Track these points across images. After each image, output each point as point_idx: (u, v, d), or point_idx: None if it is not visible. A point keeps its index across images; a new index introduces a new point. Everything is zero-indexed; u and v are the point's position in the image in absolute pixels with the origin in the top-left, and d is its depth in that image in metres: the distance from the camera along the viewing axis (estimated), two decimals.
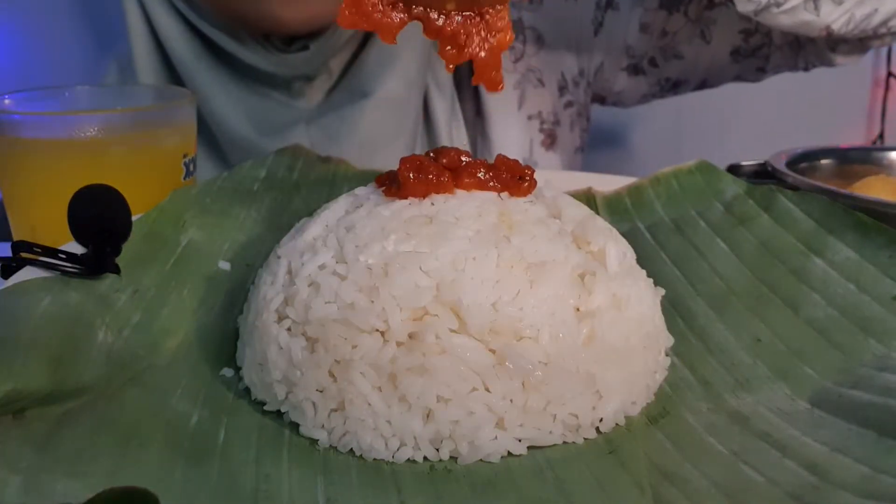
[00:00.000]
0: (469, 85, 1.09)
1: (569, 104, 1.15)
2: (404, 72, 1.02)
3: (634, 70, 1.14)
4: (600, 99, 1.22)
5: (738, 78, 1.15)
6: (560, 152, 1.16)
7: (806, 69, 1.09)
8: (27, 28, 1.37)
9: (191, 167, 0.75)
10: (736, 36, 1.06)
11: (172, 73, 1.03)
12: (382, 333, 0.48)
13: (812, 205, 0.65)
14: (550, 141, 1.14)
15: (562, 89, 1.14)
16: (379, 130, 1.02)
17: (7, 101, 0.72)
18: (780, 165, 0.87)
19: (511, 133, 1.10)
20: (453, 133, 1.09)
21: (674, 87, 1.17)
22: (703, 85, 1.17)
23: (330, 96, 1.03)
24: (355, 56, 1.02)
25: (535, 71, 1.11)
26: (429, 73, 1.07)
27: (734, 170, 0.88)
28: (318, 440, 0.50)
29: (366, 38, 1.01)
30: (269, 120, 1.01)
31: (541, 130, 1.13)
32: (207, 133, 1.03)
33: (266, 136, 1.00)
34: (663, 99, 1.22)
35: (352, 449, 0.49)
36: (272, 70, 0.99)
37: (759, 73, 1.12)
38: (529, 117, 1.12)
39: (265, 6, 0.89)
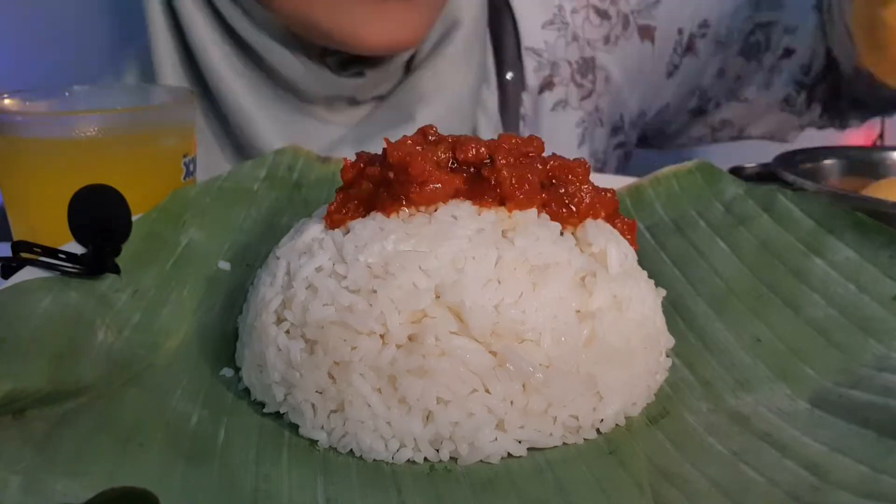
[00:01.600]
0: (515, 112, 1.07)
1: (619, 145, 1.15)
2: (453, 98, 0.99)
3: (699, 111, 1.14)
4: (642, 139, 1.22)
5: (771, 136, 1.17)
6: None
7: (842, 127, 1.12)
8: (36, 26, 1.36)
9: (191, 167, 0.75)
10: (791, 85, 1.08)
11: (197, 79, 0.98)
12: (382, 336, 0.48)
13: (812, 205, 0.65)
14: None
15: (616, 130, 1.13)
16: None
17: (7, 101, 0.72)
18: (784, 167, 0.87)
19: None
20: None
21: (718, 130, 1.18)
22: (740, 133, 1.19)
23: (372, 116, 1.00)
24: (403, 76, 1.00)
25: (600, 111, 1.10)
26: (478, 103, 1.04)
27: (736, 172, 0.88)
28: (317, 441, 0.50)
29: (413, 60, 0.99)
30: (308, 139, 0.95)
31: (593, 169, 1.12)
32: (235, 142, 0.99)
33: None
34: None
35: (351, 450, 0.49)
36: (317, 91, 0.96)
37: (797, 130, 1.15)
38: (591, 155, 1.11)
39: (347, 25, 0.85)
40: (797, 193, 0.67)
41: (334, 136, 0.98)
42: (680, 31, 1.08)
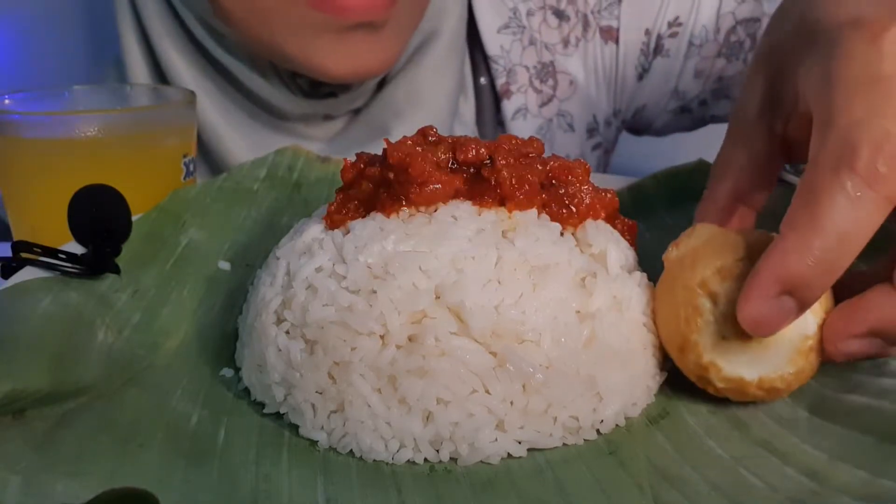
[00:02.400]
0: (491, 119, 1.05)
1: (597, 146, 1.11)
2: (430, 110, 0.97)
3: (682, 110, 1.10)
4: (635, 131, 1.19)
5: None
6: None
7: None
8: (25, 28, 1.35)
9: (191, 167, 0.75)
10: None
11: None
12: (382, 336, 0.48)
13: None
14: None
15: (591, 131, 1.10)
16: None
17: (7, 101, 0.72)
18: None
19: None
20: None
21: (713, 119, 1.14)
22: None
23: (348, 130, 0.99)
24: (379, 89, 0.98)
25: (566, 115, 1.06)
26: (454, 112, 1.01)
27: None
28: (317, 441, 0.50)
29: (388, 74, 0.97)
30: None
31: None
32: (213, 164, 0.98)
33: None
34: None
35: (351, 450, 0.49)
36: (290, 110, 0.95)
37: None
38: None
39: (313, 56, 0.84)
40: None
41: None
42: (647, 32, 1.03)
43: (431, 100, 0.97)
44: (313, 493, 0.45)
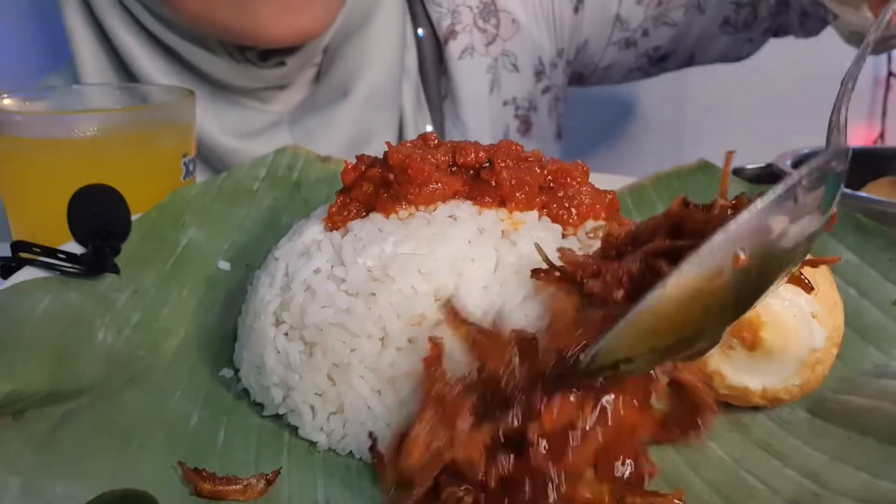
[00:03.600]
0: (433, 67, 1.07)
1: (546, 89, 1.13)
2: (384, 64, 0.99)
3: (626, 43, 1.12)
4: (579, 77, 1.20)
5: (724, 57, 1.15)
6: (538, 139, 1.14)
7: (805, 33, 1.10)
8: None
9: (191, 167, 0.75)
10: (728, 6, 1.08)
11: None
12: (381, 339, 0.48)
13: None
14: (526, 127, 1.12)
15: (539, 74, 1.11)
16: (364, 127, 0.99)
17: (7, 101, 0.72)
18: (785, 166, 0.87)
19: (484, 117, 1.08)
20: (419, 120, 1.06)
21: (661, 59, 1.16)
22: (689, 60, 1.17)
23: (309, 98, 1.01)
24: (328, 56, 1.00)
25: (510, 55, 1.08)
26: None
27: (737, 172, 0.88)
28: (317, 442, 0.50)
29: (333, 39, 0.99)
30: (247, 126, 0.98)
31: (516, 116, 1.11)
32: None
33: (247, 139, 0.97)
34: (649, 77, 1.21)
35: (351, 451, 0.49)
36: (245, 84, 0.96)
37: (748, 44, 1.14)
38: (505, 103, 1.09)
39: (251, 21, 0.85)
40: None
41: (269, 120, 0.99)
42: None
43: (381, 57, 0.99)
44: (313, 493, 0.45)
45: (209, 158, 0.99)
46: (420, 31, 1.06)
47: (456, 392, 0.40)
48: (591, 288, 0.40)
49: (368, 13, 1.00)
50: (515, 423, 0.37)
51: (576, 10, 1.10)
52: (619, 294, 0.39)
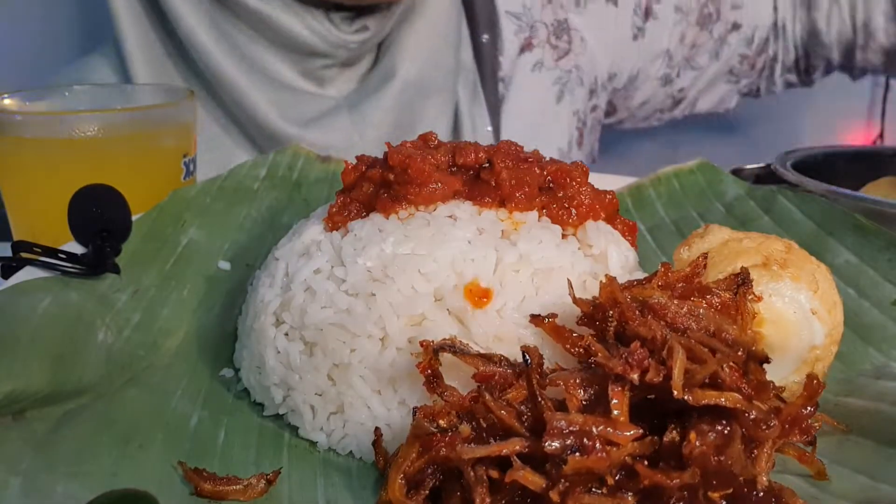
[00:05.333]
0: (491, 73, 1.11)
1: (594, 108, 1.21)
2: (433, 54, 1.03)
3: (665, 80, 1.23)
4: (611, 111, 1.28)
5: (716, 107, 1.31)
6: (585, 154, 1.20)
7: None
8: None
9: (191, 167, 0.75)
10: (735, 57, 1.23)
11: (176, 66, 0.98)
12: (381, 339, 0.48)
13: (812, 206, 0.65)
14: (581, 141, 1.18)
15: (591, 93, 1.19)
16: (412, 111, 1.01)
17: (7, 101, 0.72)
18: (786, 166, 0.87)
19: (553, 126, 1.14)
20: (476, 119, 1.09)
21: (677, 103, 1.28)
22: (692, 106, 1.30)
23: (363, 82, 1.03)
24: (388, 39, 1.03)
25: (579, 69, 1.16)
26: (459, 62, 1.08)
27: (737, 173, 0.88)
28: (317, 442, 0.50)
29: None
30: (302, 114, 0.99)
31: (577, 129, 1.17)
32: (242, 126, 1.01)
33: (305, 127, 0.98)
34: (660, 122, 1.32)
35: (351, 451, 0.49)
36: (327, 50, 0.97)
37: (737, 96, 1.31)
38: (574, 113, 1.16)
39: None
40: (798, 195, 0.67)
41: (326, 105, 1.00)
42: None
43: (431, 46, 1.03)
44: (313, 493, 0.45)
45: (265, 148, 0.99)
46: (485, 36, 1.11)
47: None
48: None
49: (423, 1, 1.04)
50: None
51: (635, 37, 1.18)
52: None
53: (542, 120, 1.12)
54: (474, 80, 1.10)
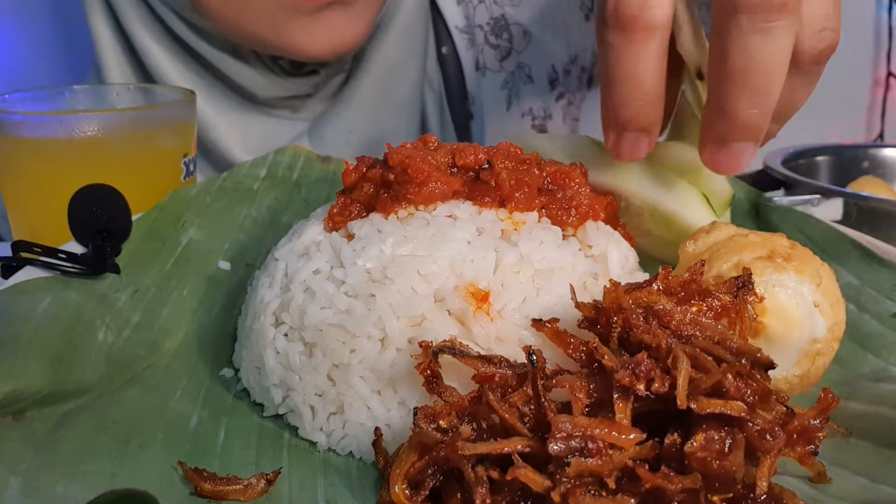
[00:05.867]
0: (458, 87, 1.08)
1: (560, 96, 1.15)
2: (407, 77, 1.01)
3: None
4: (591, 79, 1.22)
5: None
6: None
7: None
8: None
9: (191, 167, 0.75)
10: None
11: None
12: (381, 340, 0.48)
13: (814, 230, 0.65)
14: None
15: (552, 82, 1.13)
16: (381, 129, 1.00)
17: (7, 101, 0.72)
18: (776, 163, 0.87)
19: (504, 134, 1.08)
20: (445, 133, 1.07)
21: None
22: None
23: (331, 105, 1.02)
24: (354, 60, 1.01)
25: (525, 67, 1.10)
26: (426, 78, 1.06)
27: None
28: (317, 443, 0.50)
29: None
30: (272, 141, 0.96)
31: (533, 126, 1.12)
32: (210, 156, 1.00)
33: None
34: None
35: (351, 451, 0.49)
36: (275, 94, 0.97)
37: None
38: (522, 115, 1.11)
39: (288, 35, 0.86)
40: (801, 217, 0.67)
41: (293, 133, 0.99)
42: None
43: (404, 66, 1.01)
44: (313, 493, 0.45)
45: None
46: (444, 49, 1.07)
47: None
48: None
49: (391, 16, 1.01)
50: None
51: (587, 17, 1.11)
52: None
53: (501, 130, 1.08)
54: (440, 94, 1.07)
